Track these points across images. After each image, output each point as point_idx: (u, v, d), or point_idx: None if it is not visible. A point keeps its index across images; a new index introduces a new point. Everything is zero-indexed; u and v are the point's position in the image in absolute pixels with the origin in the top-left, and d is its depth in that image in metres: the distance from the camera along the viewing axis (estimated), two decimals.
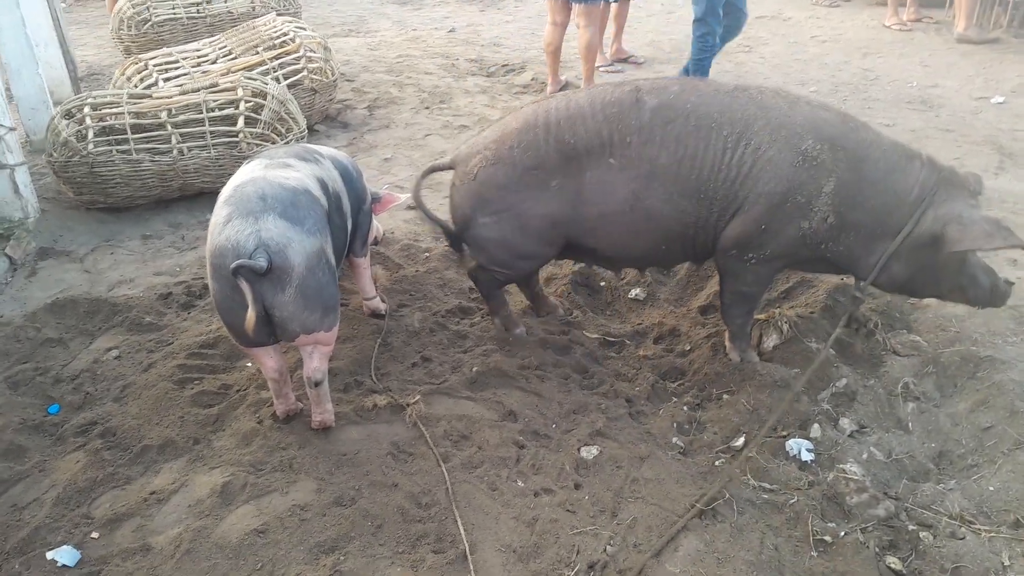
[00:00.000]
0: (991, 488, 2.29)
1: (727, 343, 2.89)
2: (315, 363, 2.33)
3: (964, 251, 2.42)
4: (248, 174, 2.32)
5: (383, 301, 3.15)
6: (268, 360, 2.35)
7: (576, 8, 5.53)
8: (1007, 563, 2.04)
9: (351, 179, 2.79)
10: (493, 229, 2.71)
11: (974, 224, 2.39)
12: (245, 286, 2.05)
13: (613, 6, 6.58)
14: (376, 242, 3.41)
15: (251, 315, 2.07)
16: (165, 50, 5.20)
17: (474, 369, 2.79)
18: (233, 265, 2.03)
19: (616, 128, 2.56)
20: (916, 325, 2.99)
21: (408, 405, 2.57)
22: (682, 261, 2.96)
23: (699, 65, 5.45)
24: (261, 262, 2.06)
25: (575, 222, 2.67)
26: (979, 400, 2.57)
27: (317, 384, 2.35)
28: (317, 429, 2.47)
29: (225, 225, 2.14)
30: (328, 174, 2.57)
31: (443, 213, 3.00)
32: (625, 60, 6.85)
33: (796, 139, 2.48)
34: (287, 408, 2.50)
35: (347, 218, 2.65)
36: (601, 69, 6.57)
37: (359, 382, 2.74)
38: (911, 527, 2.18)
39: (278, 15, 5.94)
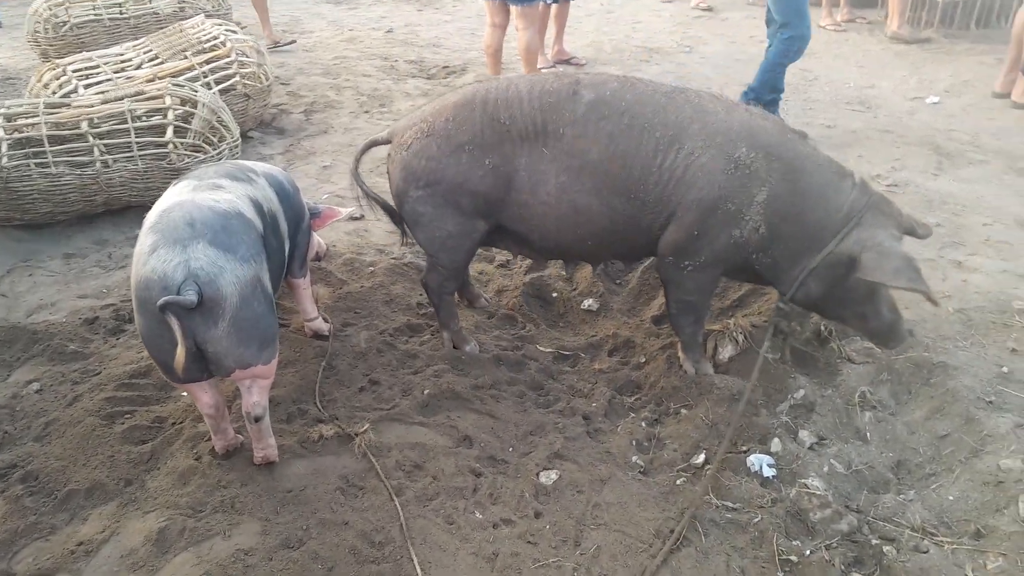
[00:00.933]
0: (950, 497, 2.29)
1: (680, 354, 2.84)
2: (254, 398, 2.18)
3: (873, 281, 2.41)
4: (175, 197, 2.16)
5: (326, 321, 3.01)
6: (203, 396, 2.19)
7: (514, 10, 5.44)
8: (971, 575, 2.03)
9: (287, 196, 2.64)
10: (426, 203, 2.68)
11: (888, 257, 2.36)
12: (174, 322, 1.89)
13: (553, 7, 6.51)
14: (319, 258, 3.25)
15: (181, 353, 1.91)
16: (85, 54, 4.90)
17: (426, 392, 2.68)
18: (160, 302, 1.87)
19: (551, 118, 2.54)
20: None
21: (356, 435, 2.44)
22: (612, 259, 2.94)
23: (774, 72, 4.82)
24: (191, 296, 1.90)
25: (506, 205, 2.66)
26: (934, 407, 2.57)
27: (257, 420, 2.20)
28: (260, 465, 2.32)
29: (151, 255, 1.98)
30: (263, 193, 2.41)
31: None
32: (567, 61, 6.78)
33: (730, 146, 2.45)
34: (226, 444, 2.34)
35: (284, 239, 2.50)
36: (543, 71, 6.48)
37: (303, 411, 2.59)
38: (875, 541, 2.16)
39: (207, 17, 5.69)
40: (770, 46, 4.90)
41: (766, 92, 4.86)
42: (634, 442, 2.56)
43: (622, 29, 8.05)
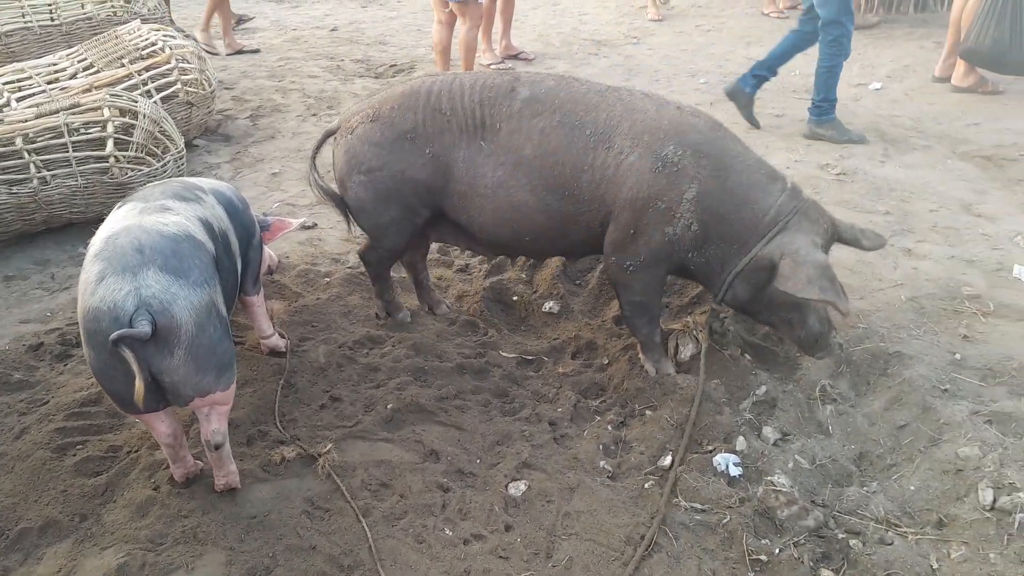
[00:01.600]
0: (912, 488, 2.33)
1: (640, 355, 2.85)
2: (213, 425, 2.11)
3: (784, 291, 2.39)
4: (121, 222, 2.07)
5: (283, 337, 2.94)
6: (160, 425, 2.11)
7: (453, 6, 5.39)
8: (935, 566, 2.07)
9: (237, 212, 2.56)
10: (368, 188, 2.74)
11: (803, 266, 2.35)
12: (129, 356, 1.81)
13: (498, 2, 6.47)
14: (271, 271, 3.17)
15: (140, 387, 1.83)
16: (15, 65, 4.70)
17: (389, 406, 2.63)
18: (112, 336, 1.80)
19: (489, 112, 2.61)
20: None
21: (320, 455, 2.38)
22: (553, 255, 2.99)
23: (831, 73, 4.79)
24: (144, 328, 1.83)
25: (447, 195, 2.72)
26: (892, 398, 2.62)
27: (217, 447, 2.14)
28: (221, 492, 2.26)
29: (98, 284, 1.89)
30: (212, 212, 2.33)
31: None
32: (515, 56, 6.76)
33: (658, 144, 2.48)
34: (186, 471, 2.27)
35: (236, 257, 2.43)
36: (491, 67, 6.45)
37: (263, 432, 2.53)
38: (841, 535, 2.19)
39: (144, 22, 5.51)
40: (799, 32, 4.90)
41: (831, 98, 4.77)
42: (601, 447, 2.56)
43: (569, 22, 8.05)
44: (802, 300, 2.41)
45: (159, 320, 1.87)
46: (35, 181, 3.68)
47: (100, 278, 1.90)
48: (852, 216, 3.84)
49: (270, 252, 3.08)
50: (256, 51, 7.24)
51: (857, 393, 2.72)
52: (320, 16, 8.79)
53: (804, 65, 6.32)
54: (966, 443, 2.36)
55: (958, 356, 2.77)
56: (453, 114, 2.63)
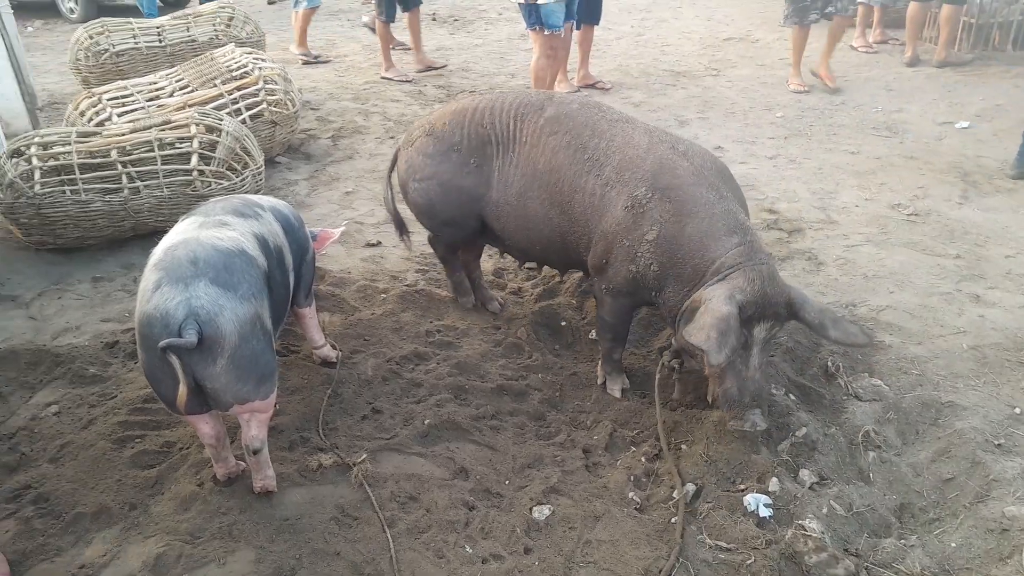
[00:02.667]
0: (953, 544, 2.24)
1: (599, 365, 2.97)
2: (252, 431, 2.23)
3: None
4: (181, 234, 2.23)
5: (335, 348, 3.06)
6: (204, 427, 2.25)
7: (529, 34, 5.51)
8: None
9: (293, 230, 2.70)
10: (422, 194, 3.07)
11: (704, 313, 2.33)
12: (175, 362, 1.95)
13: (576, 33, 6.55)
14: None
15: (183, 392, 1.97)
16: (120, 83, 5.09)
17: (426, 422, 2.71)
18: (161, 345, 1.94)
19: (520, 127, 2.85)
20: (878, 367, 2.94)
21: (354, 465, 2.47)
22: (564, 267, 3.19)
23: None
24: (191, 338, 1.96)
25: (486, 203, 2.97)
26: (940, 449, 2.52)
27: (256, 452, 2.25)
28: (259, 493, 2.37)
29: (154, 292, 2.04)
30: (269, 228, 2.48)
31: None
32: (592, 86, 6.82)
33: (634, 183, 2.57)
34: (227, 471, 2.40)
35: (289, 272, 2.56)
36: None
37: (305, 439, 2.64)
38: None
39: (239, 45, 5.86)
40: None
41: None
42: (632, 477, 2.55)
43: (650, 53, 8.06)
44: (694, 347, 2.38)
45: (205, 330, 2.00)
46: (126, 191, 3.96)
47: (156, 287, 2.05)
48: (918, 259, 3.72)
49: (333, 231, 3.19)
50: (443, 65, 7.53)
51: (904, 441, 2.62)
52: (409, 41, 9.07)
53: (888, 101, 6.16)
54: (1014, 502, 2.25)
55: (1018, 410, 2.64)
56: (492, 128, 2.90)
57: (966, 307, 3.29)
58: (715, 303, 2.36)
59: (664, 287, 2.58)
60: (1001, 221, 4.05)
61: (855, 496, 2.42)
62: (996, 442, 2.49)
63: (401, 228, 3.45)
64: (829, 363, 2.91)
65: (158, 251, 2.20)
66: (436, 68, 7.53)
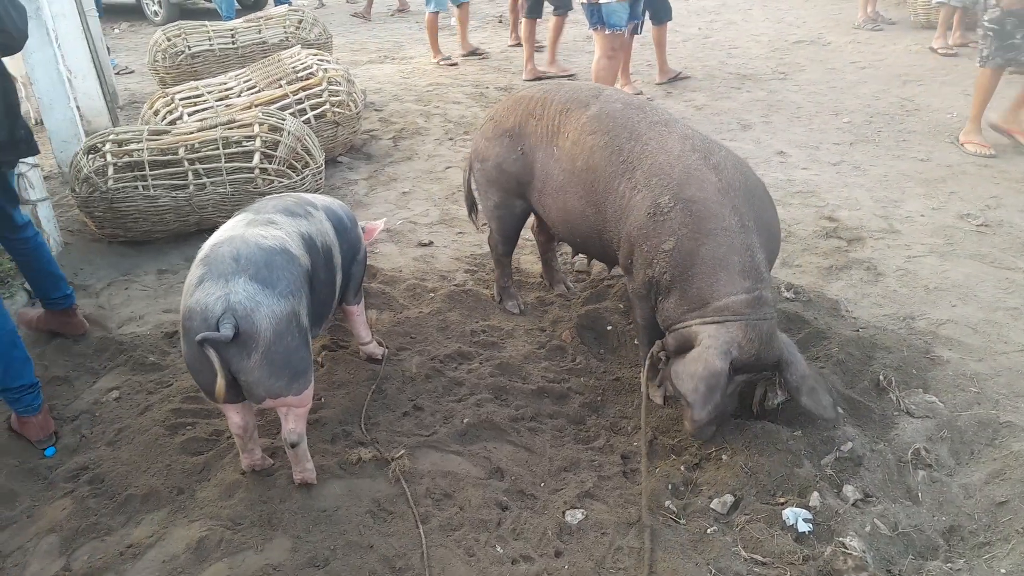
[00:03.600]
0: (1003, 570, 2.13)
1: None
2: (290, 425, 2.30)
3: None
4: (227, 232, 2.31)
5: (381, 345, 3.12)
6: (234, 416, 2.33)
7: (592, 32, 5.50)
8: None
9: (345, 230, 2.76)
10: (480, 174, 3.26)
11: (697, 363, 2.38)
12: (213, 355, 2.03)
13: (653, 31, 6.59)
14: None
15: (220, 384, 2.05)
16: (192, 84, 5.30)
17: (465, 420, 2.73)
18: (198, 338, 2.02)
19: (564, 121, 2.90)
20: (933, 383, 2.83)
21: (393, 460, 2.52)
22: (604, 260, 3.18)
23: None
24: (228, 332, 2.03)
25: (532, 190, 3.08)
26: (995, 471, 2.41)
27: (293, 445, 2.32)
28: (299, 485, 2.44)
29: (197, 287, 2.13)
30: (319, 228, 2.54)
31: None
32: (675, 78, 6.92)
33: (659, 190, 2.56)
34: (252, 463, 2.47)
35: (337, 270, 2.62)
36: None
37: (347, 432, 2.70)
38: None
39: (306, 46, 6.02)
40: None
41: None
42: (670, 486, 2.52)
43: (717, 55, 7.94)
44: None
45: (242, 325, 2.07)
46: (192, 187, 4.12)
47: (199, 281, 2.14)
48: (985, 271, 3.56)
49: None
50: (572, 75, 7.47)
51: (957, 461, 2.51)
52: (476, 43, 9.16)
53: (964, 107, 5.91)
54: None
55: None
56: (540, 120, 2.98)
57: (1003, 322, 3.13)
58: (710, 355, 2.37)
59: (668, 296, 2.58)
60: None
61: (901, 515, 2.34)
62: None
63: (471, 206, 3.63)
64: (881, 377, 2.82)
65: (206, 247, 2.29)
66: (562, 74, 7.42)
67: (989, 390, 2.74)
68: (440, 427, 2.73)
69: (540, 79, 7.13)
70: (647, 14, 6.33)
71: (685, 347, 2.53)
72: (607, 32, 5.30)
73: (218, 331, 2.04)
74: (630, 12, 5.37)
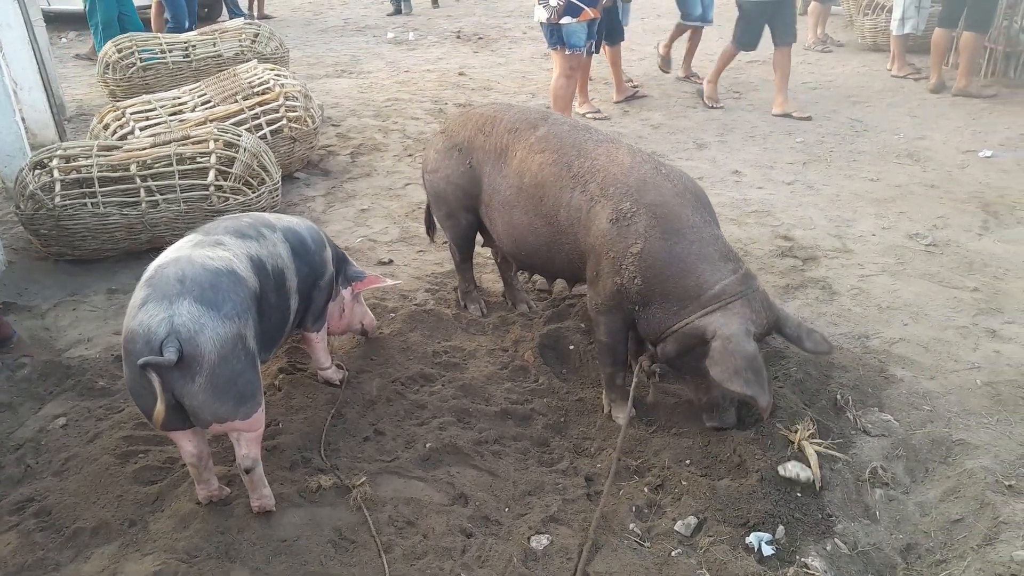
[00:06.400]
0: None
1: (603, 391, 2.96)
2: (243, 450, 2.25)
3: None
4: (174, 253, 2.27)
5: (341, 368, 3.07)
6: (185, 443, 2.26)
7: (550, 52, 5.55)
8: None
9: (306, 253, 2.70)
10: (430, 185, 3.39)
11: (733, 356, 2.41)
12: (155, 379, 1.98)
13: (607, 49, 6.66)
14: (364, 333, 3.28)
15: (160, 408, 2.00)
16: (144, 97, 5.18)
17: (428, 445, 2.70)
18: (140, 362, 1.97)
19: (512, 141, 3.03)
20: (888, 402, 2.89)
21: (354, 487, 2.47)
22: (551, 275, 3.35)
23: None
24: (171, 356, 1.98)
25: (479, 203, 3.20)
26: (949, 488, 2.46)
27: (247, 471, 2.26)
28: (257, 513, 2.37)
29: (140, 309, 2.08)
30: (270, 251, 2.49)
31: None
32: (633, 96, 7.07)
33: (618, 198, 2.65)
34: (208, 493, 2.39)
35: (291, 294, 2.57)
36: (587, 116, 6.55)
37: (307, 459, 2.64)
38: None
39: (262, 60, 5.94)
40: None
41: None
42: (634, 508, 2.52)
43: (672, 74, 8.04)
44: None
45: (185, 347, 2.02)
46: (144, 204, 4.02)
47: (143, 303, 2.09)
48: (935, 291, 3.66)
49: (370, 314, 3.24)
50: (636, 89, 7.29)
51: (912, 479, 2.57)
52: (433, 59, 9.15)
53: (911, 128, 6.10)
54: (1023, 546, 2.18)
55: None
56: (489, 137, 3.10)
57: (982, 342, 3.22)
58: (738, 342, 2.42)
59: (649, 304, 2.63)
60: (1022, 254, 3.97)
61: (860, 534, 2.38)
62: (1007, 483, 2.43)
63: (430, 225, 3.76)
64: (839, 396, 2.86)
65: (151, 268, 2.24)
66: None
67: (941, 408, 2.81)
68: (402, 452, 2.69)
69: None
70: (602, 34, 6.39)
71: (691, 345, 2.56)
72: (567, 52, 5.34)
73: (161, 355, 1.99)
74: (587, 32, 5.42)
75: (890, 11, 7.94)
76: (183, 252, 2.24)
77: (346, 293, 3.02)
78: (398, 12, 12.05)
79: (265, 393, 2.96)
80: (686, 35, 7.61)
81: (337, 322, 3.05)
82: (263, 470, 2.35)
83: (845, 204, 4.70)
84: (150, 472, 2.60)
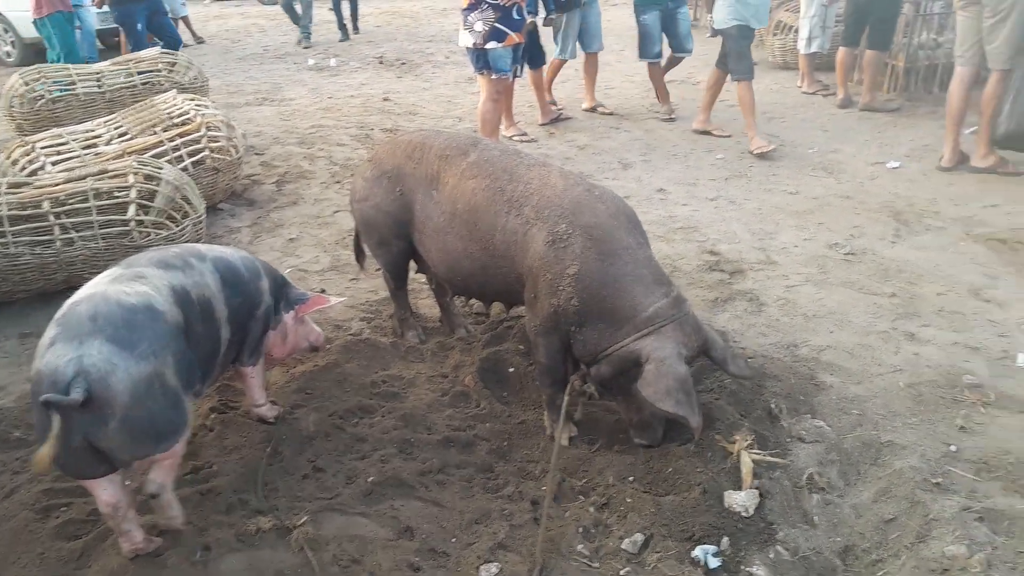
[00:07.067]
0: None
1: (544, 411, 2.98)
2: (151, 474, 2.19)
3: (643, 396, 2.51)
4: (89, 289, 2.19)
5: (275, 404, 2.98)
6: (100, 493, 2.16)
7: (476, 77, 5.59)
8: None
9: (238, 282, 2.63)
10: (359, 214, 3.37)
11: (665, 377, 2.47)
12: (56, 420, 1.89)
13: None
14: (315, 348, 3.20)
15: (45, 452, 1.89)
16: (54, 131, 4.97)
17: (370, 479, 2.64)
18: (42, 399, 1.87)
19: (443, 167, 3.02)
20: (820, 408, 2.98)
21: (295, 527, 2.39)
22: (487, 299, 3.37)
23: None
24: (77, 396, 1.90)
25: (412, 230, 3.18)
26: (881, 489, 2.55)
27: (153, 496, 2.20)
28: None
29: (48, 348, 2.00)
30: (195, 280, 2.41)
31: None
32: (557, 119, 7.14)
33: (554, 220, 2.68)
34: (132, 547, 2.25)
35: (221, 325, 2.49)
36: (514, 139, 6.61)
37: (244, 500, 2.55)
38: None
39: (181, 90, 5.79)
40: None
41: None
42: (580, 529, 2.52)
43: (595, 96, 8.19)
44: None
45: (94, 389, 1.94)
46: (59, 243, 3.85)
47: (51, 343, 2.00)
48: (856, 298, 3.81)
49: (317, 329, 3.16)
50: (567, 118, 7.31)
51: (847, 483, 2.65)
52: (356, 85, 9.09)
53: (824, 143, 6.36)
54: (954, 541, 2.27)
55: (953, 448, 2.69)
56: (419, 164, 3.09)
57: (902, 345, 3.37)
58: (670, 364, 2.47)
59: (585, 325, 2.65)
60: (932, 259, 4.18)
61: (801, 540, 2.43)
62: (934, 481, 2.53)
63: (359, 253, 3.67)
64: (773, 405, 2.94)
65: (65, 306, 2.15)
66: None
67: (869, 411, 2.91)
68: (343, 488, 2.62)
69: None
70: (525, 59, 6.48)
71: (625, 368, 2.59)
72: (493, 76, 5.38)
73: (67, 395, 1.90)
74: (512, 56, 5.48)
75: (797, 31, 8.29)
76: (98, 288, 2.16)
77: (288, 318, 2.94)
78: (304, 41, 11.53)
79: (196, 434, 2.88)
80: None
81: (281, 348, 2.96)
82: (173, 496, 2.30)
83: (767, 217, 4.86)
84: (74, 526, 2.46)
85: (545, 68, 7.15)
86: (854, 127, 6.75)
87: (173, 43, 8.15)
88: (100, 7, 8.68)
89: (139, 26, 7.91)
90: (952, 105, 5.45)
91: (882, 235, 4.51)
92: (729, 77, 6.28)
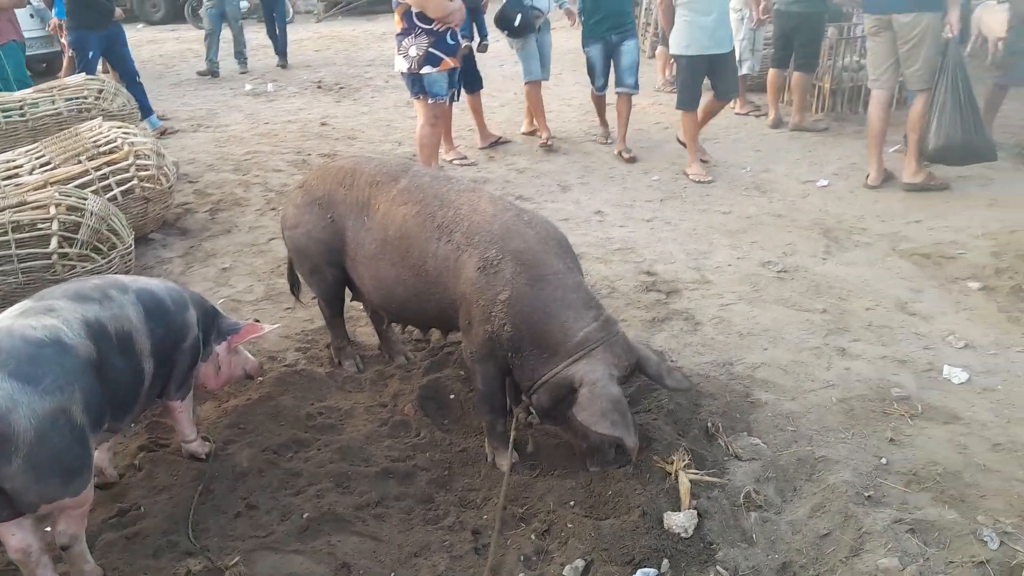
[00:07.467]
0: None
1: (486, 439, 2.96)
2: (60, 526, 2.10)
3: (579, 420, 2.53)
4: None
5: (207, 440, 2.89)
6: (9, 538, 2.06)
7: (413, 101, 5.59)
8: None
9: (163, 314, 2.54)
10: (291, 242, 3.32)
11: (599, 399, 2.49)
12: None
13: (467, 99, 6.74)
14: (250, 376, 3.13)
15: None
16: None
17: (305, 515, 2.57)
18: None
19: (374, 193, 3.01)
20: (755, 426, 3.02)
21: (227, 568, 2.31)
22: (422, 325, 3.30)
23: None
24: None
25: (344, 257, 3.14)
26: (816, 504, 2.59)
27: (64, 549, 2.10)
28: None
29: None
30: (113, 313, 2.32)
31: None
32: (496, 143, 7.21)
33: (484, 246, 2.69)
34: None
35: (142, 358, 2.41)
36: (454, 162, 6.61)
37: (173, 543, 2.45)
38: None
39: (108, 118, 5.63)
40: None
41: None
42: (522, 557, 2.49)
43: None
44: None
45: None
46: None
47: None
48: (789, 315, 3.90)
49: (251, 357, 3.08)
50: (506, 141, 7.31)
51: (783, 499, 2.68)
52: (294, 110, 9.01)
53: (755, 162, 6.52)
54: (886, 554, 2.32)
55: (884, 460, 2.76)
56: (350, 190, 3.07)
57: (833, 360, 3.45)
58: (602, 386, 2.49)
59: (519, 350, 2.66)
60: (861, 274, 4.31)
61: (740, 559, 2.45)
62: (866, 494, 2.58)
63: (294, 282, 3.64)
64: (709, 424, 2.97)
65: None
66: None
67: (803, 427, 2.97)
68: (278, 525, 2.55)
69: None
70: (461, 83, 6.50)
71: (561, 395, 2.59)
72: (429, 101, 5.38)
73: None
74: (448, 81, 5.49)
75: None
76: (3, 323, 2.08)
77: (221, 349, 2.86)
78: (213, 75, 11.07)
79: (124, 474, 2.77)
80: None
81: (215, 380, 2.89)
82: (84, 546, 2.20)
83: (701, 237, 4.95)
84: None
85: (482, 92, 7.18)
86: (785, 147, 6.95)
87: (129, 76, 7.90)
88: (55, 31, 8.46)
89: (91, 54, 7.63)
90: (873, 126, 5.67)
91: (813, 252, 4.63)
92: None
